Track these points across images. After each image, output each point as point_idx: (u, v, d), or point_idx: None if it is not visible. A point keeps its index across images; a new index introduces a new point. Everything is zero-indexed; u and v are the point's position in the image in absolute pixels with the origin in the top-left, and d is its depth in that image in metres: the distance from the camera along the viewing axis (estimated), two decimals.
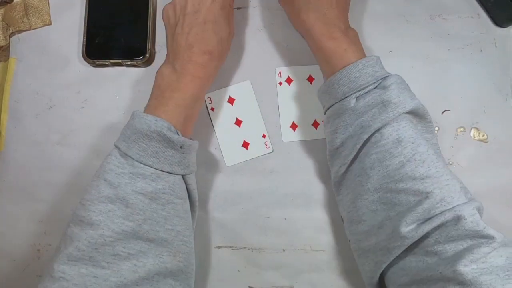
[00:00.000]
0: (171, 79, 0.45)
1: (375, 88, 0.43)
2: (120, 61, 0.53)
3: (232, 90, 0.54)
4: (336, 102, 0.45)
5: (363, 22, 0.54)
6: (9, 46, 0.55)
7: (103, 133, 0.54)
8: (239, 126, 0.53)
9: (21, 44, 0.55)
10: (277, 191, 0.53)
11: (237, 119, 0.53)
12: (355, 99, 0.43)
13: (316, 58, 0.48)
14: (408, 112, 0.42)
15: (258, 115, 0.53)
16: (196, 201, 0.47)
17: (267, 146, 0.53)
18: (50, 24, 0.55)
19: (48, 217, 0.53)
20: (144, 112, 0.44)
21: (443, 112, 0.54)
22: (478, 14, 0.56)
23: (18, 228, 0.53)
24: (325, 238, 0.52)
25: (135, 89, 0.54)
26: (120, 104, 0.54)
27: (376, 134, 0.42)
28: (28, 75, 0.55)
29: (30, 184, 0.53)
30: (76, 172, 0.53)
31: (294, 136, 0.53)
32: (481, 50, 0.55)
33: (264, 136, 0.53)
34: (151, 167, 0.41)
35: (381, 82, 0.43)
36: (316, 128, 0.53)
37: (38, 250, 0.52)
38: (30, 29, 0.55)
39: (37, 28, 0.55)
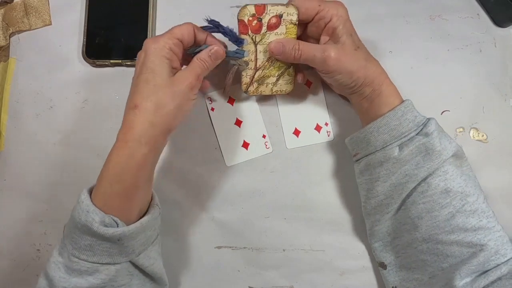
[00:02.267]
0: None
1: (416, 134, 0.43)
2: (120, 61, 0.53)
3: (233, 90, 0.54)
4: (377, 150, 0.45)
5: (363, 23, 0.54)
6: (9, 46, 0.55)
7: (103, 133, 0.54)
8: (239, 127, 0.53)
9: (21, 44, 0.55)
10: (277, 191, 0.53)
11: (237, 119, 0.53)
12: (398, 147, 0.43)
13: (364, 107, 0.47)
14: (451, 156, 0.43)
15: (258, 115, 0.53)
16: (157, 275, 0.43)
17: (267, 147, 0.53)
18: (50, 24, 0.55)
19: (48, 217, 0.53)
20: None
21: (442, 112, 0.54)
22: (478, 14, 0.56)
23: (18, 228, 0.53)
24: (325, 238, 0.52)
25: None
26: (120, 104, 0.54)
27: (422, 184, 0.43)
28: (28, 75, 0.55)
29: (30, 184, 0.53)
30: (76, 172, 0.53)
31: (298, 142, 0.53)
32: (481, 50, 0.55)
33: (264, 136, 0.53)
34: (86, 261, 0.37)
35: (422, 129, 0.43)
36: (319, 132, 0.53)
37: (38, 250, 0.52)
38: (30, 29, 0.55)
39: (37, 28, 0.55)
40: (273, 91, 0.50)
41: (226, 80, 0.50)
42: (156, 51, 0.40)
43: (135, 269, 0.41)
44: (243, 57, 0.46)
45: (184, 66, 0.45)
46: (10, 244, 0.53)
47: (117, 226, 0.38)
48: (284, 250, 0.52)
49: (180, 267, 0.52)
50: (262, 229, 0.52)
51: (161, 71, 0.39)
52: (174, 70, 0.41)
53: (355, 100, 0.48)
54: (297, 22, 0.46)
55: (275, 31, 0.46)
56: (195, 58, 0.43)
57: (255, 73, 0.48)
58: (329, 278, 0.52)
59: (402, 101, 0.45)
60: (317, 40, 0.48)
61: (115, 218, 0.38)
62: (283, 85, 0.50)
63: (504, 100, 0.54)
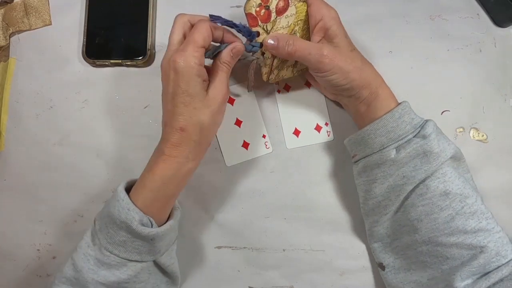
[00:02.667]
0: (153, 157, 0.42)
1: (414, 136, 0.43)
2: (120, 61, 0.53)
3: (232, 90, 0.54)
4: (374, 153, 0.45)
5: (363, 23, 0.54)
6: (9, 46, 0.55)
7: (103, 133, 0.54)
8: (239, 127, 0.53)
9: (21, 44, 0.55)
10: (277, 191, 0.53)
11: (237, 119, 0.53)
12: (395, 149, 0.43)
13: (361, 111, 0.46)
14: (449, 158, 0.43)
15: (258, 115, 0.53)
16: (175, 274, 0.46)
17: (267, 146, 0.53)
18: (50, 24, 0.55)
19: (48, 217, 0.53)
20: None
21: (442, 112, 0.54)
22: (478, 14, 0.56)
23: (18, 228, 0.53)
24: (325, 238, 0.52)
25: (135, 89, 0.54)
26: (120, 104, 0.54)
27: (421, 186, 0.43)
28: (28, 75, 0.55)
29: (30, 184, 0.53)
30: (76, 172, 0.53)
31: (298, 142, 0.53)
32: (481, 50, 0.55)
33: (264, 136, 0.53)
34: (117, 256, 0.40)
35: (420, 131, 0.43)
36: (319, 132, 0.53)
37: (38, 250, 0.52)
38: (30, 29, 0.55)
39: (37, 28, 0.55)
40: (294, 72, 0.50)
41: (248, 75, 0.49)
42: (187, 70, 0.39)
43: (154, 268, 0.44)
44: (258, 49, 0.45)
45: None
46: (10, 244, 0.53)
47: (151, 227, 0.40)
48: (284, 250, 0.52)
49: (180, 267, 0.51)
50: (262, 229, 0.52)
51: (197, 92, 0.40)
52: (205, 83, 0.41)
53: (352, 105, 0.48)
54: None
55: (285, 14, 0.45)
56: (218, 63, 0.42)
57: (273, 61, 0.47)
58: (329, 278, 0.52)
59: (399, 103, 0.45)
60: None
61: (151, 219, 0.40)
62: (303, 63, 0.49)
63: (504, 100, 0.54)
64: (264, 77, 0.49)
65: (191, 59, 0.39)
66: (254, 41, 0.44)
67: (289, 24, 0.46)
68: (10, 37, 0.55)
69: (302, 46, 0.44)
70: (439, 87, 0.54)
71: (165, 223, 0.43)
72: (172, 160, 0.40)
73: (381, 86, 0.45)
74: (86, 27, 0.54)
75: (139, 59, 0.53)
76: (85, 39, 0.54)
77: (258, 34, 0.44)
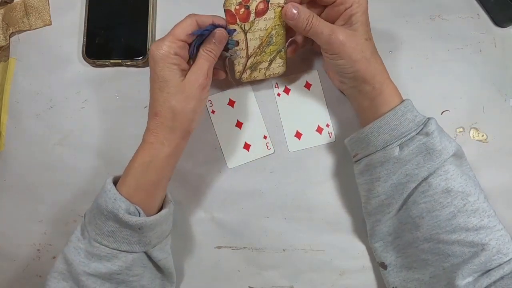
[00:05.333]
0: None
1: (417, 134, 0.43)
2: (120, 61, 0.53)
3: (232, 92, 0.54)
4: (378, 151, 0.45)
5: None
6: (9, 46, 0.55)
7: (103, 133, 0.54)
8: (240, 128, 0.53)
9: (21, 44, 0.55)
10: (277, 191, 0.53)
11: (237, 121, 0.53)
12: (398, 147, 0.43)
13: (364, 105, 0.47)
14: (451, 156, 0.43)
15: (259, 116, 0.53)
16: (169, 270, 0.46)
17: (269, 147, 0.53)
18: (50, 24, 0.55)
19: (48, 217, 0.53)
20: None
21: (442, 112, 0.54)
22: (478, 14, 0.56)
23: (18, 228, 0.53)
24: (325, 238, 0.52)
25: (135, 89, 0.54)
26: (120, 104, 0.54)
27: (423, 183, 0.43)
28: (28, 75, 0.54)
29: (30, 184, 0.53)
30: (76, 172, 0.53)
31: (300, 145, 0.53)
32: (481, 51, 0.55)
33: (265, 137, 0.53)
34: (107, 247, 0.40)
35: (423, 128, 0.43)
36: (320, 133, 0.53)
37: (38, 250, 0.52)
38: (30, 29, 0.55)
39: (37, 28, 0.55)
40: (266, 75, 0.51)
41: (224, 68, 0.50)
42: (163, 58, 0.41)
43: (148, 262, 0.44)
44: (234, 47, 0.46)
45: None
46: (10, 244, 0.53)
47: (139, 216, 0.40)
48: (284, 250, 0.52)
49: (180, 267, 0.52)
50: (262, 229, 0.52)
51: (171, 78, 0.41)
52: (184, 72, 0.42)
53: (355, 97, 0.48)
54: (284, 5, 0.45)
55: (264, 16, 0.45)
56: (201, 51, 0.43)
57: (247, 61, 0.48)
58: (329, 278, 0.52)
59: (402, 101, 0.45)
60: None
61: (138, 208, 0.41)
62: (276, 68, 0.50)
63: (504, 100, 0.54)
64: (237, 75, 0.49)
65: (167, 49, 0.40)
66: (230, 38, 0.45)
67: (266, 27, 0.46)
68: (10, 37, 0.55)
69: (317, 24, 0.44)
70: (439, 87, 0.54)
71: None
72: (150, 146, 0.42)
73: (386, 82, 0.45)
74: (86, 27, 0.54)
75: (139, 59, 0.53)
76: (85, 39, 0.54)
77: (234, 31, 0.45)
